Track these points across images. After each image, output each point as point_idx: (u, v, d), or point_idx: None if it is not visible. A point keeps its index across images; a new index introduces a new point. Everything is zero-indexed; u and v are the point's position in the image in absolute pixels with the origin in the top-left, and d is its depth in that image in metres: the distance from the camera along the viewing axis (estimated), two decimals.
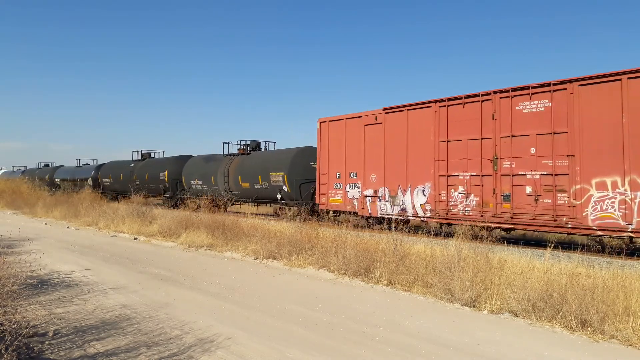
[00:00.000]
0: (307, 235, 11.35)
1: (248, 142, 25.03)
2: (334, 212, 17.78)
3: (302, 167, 20.02)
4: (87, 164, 41.81)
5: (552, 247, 9.22)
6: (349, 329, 6.11)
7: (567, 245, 11.43)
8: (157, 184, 29.01)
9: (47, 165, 51.43)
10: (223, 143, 27.00)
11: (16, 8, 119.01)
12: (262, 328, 6.09)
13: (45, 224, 20.97)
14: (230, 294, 8.01)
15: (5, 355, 4.15)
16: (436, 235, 13.90)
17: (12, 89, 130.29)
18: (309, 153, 20.34)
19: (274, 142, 25.80)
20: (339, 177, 17.37)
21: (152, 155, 33.56)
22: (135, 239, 15.69)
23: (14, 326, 4.95)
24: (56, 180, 43.94)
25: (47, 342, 5.28)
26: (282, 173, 20.00)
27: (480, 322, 6.49)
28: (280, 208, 20.66)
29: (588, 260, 8.57)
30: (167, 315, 6.55)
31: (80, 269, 10.03)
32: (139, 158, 33.54)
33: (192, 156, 28.69)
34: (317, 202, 18.21)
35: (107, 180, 35.26)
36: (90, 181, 37.63)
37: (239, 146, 25.21)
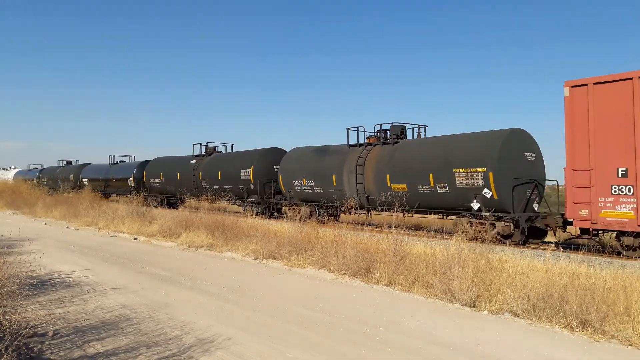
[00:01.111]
0: (307, 235, 11.34)
1: (388, 127, 17.51)
2: (605, 231, 11.28)
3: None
4: (123, 161, 35.88)
5: (552, 247, 9.21)
6: (349, 329, 6.10)
7: (567, 245, 11.42)
8: (235, 184, 22.79)
9: (69, 163, 44.82)
10: (348, 129, 18.01)
11: (16, 5, 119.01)
12: (262, 328, 6.08)
13: (45, 224, 20.97)
14: (230, 294, 8.01)
15: (5, 356, 4.14)
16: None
17: (11, 89, 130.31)
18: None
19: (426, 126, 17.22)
20: (623, 175, 10.49)
21: (218, 150, 27.15)
22: (135, 239, 15.69)
23: (14, 326, 4.94)
24: (83, 180, 38.10)
25: (46, 342, 5.27)
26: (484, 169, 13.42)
27: (481, 322, 6.48)
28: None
29: (588, 260, 8.56)
30: (167, 316, 6.54)
31: (80, 269, 10.02)
32: (202, 153, 26.97)
33: (283, 150, 22.66)
34: (568, 216, 11.39)
35: (157, 180, 29.01)
36: (131, 181, 31.48)
37: (373, 133, 17.85)
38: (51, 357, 4.90)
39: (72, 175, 40.37)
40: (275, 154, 22.48)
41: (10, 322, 5.08)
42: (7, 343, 4.29)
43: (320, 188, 18.50)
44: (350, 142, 18.33)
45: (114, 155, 36.67)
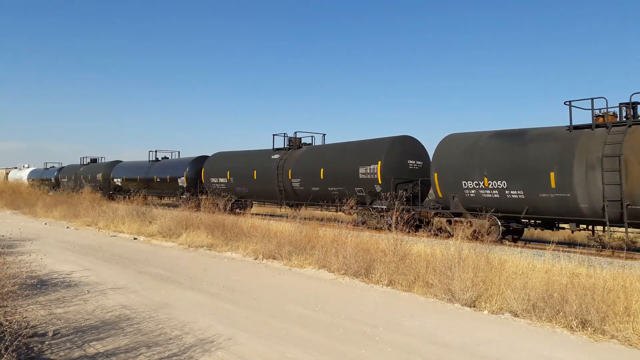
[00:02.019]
0: (307, 235, 11.34)
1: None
2: None
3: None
4: (167, 157, 31.23)
5: (552, 247, 9.20)
6: (349, 329, 6.10)
7: (567, 244, 11.42)
8: (349, 186, 16.97)
9: (94, 160, 39.66)
10: (592, 100, 11.65)
11: (16, 3, 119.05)
12: (262, 328, 6.08)
13: (45, 224, 20.97)
14: (230, 294, 8.01)
15: (5, 356, 4.14)
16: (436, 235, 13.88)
17: (11, 89, 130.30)
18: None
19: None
20: None
21: (303, 142, 21.37)
22: (135, 239, 15.69)
23: (14, 326, 4.94)
24: (116, 180, 32.91)
25: (47, 342, 5.27)
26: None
27: (481, 322, 6.48)
28: None
29: (588, 260, 8.56)
30: (167, 316, 6.54)
31: (80, 269, 10.03)
32: (286, 145, 21.15)
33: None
34: None
35: (221, 180, 23.39)
36: (183, 181, 25.85)
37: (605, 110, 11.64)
38: (51, 357, 4.90)
39: (100, 174, 34.69)
40: (408, 145, 16.93)
41: (10, 322, 5.08)
42: (7, 343, 4.29)
43: (521, 192, 12.37)
44: (573, 123, 12.08)
45: (155, 151, 31.05)
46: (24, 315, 5.77)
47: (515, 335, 5.92)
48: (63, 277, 9.13)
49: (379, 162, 16.12)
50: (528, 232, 16.10)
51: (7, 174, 57.28)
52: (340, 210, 17.94)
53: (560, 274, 7.17)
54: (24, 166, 57.22)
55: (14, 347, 4.26)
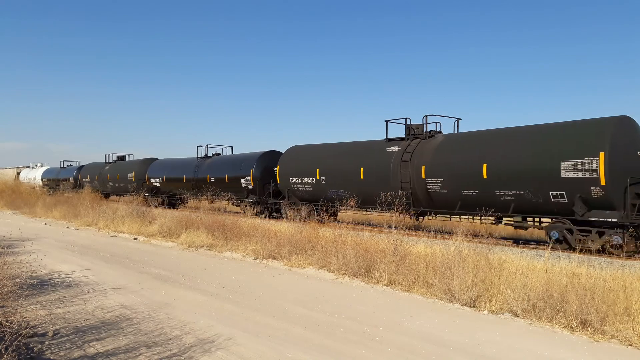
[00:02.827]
0: (307, 235, 11.35)
1: None
2: None
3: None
4: (218, 154, 26.37)
5: (550, 246, 9.21)
6: (349, 329, 6.10)
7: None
8: (541, 187, 11.83)
9: (121, 158, 35.09)
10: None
11: (16, 4, 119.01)
12: (262, 328, 6.08)
13: (45, 224, 20.97)
14: (230, 294, 8.01)
15: (5, 356, 4.14)
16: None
17: (11, 88, 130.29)
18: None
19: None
20: None
21: (431, 131, 15.69)
22: (135, 239, 15.69)
23: (14, 326, 4.94)
24: (153, 180, 28.38)
25: (46, 343, 5.27)
26: None
27: (481, 322, 6.48)
28: None
29: (588, 260, 8.56)
30: (167, 316, 6.54)
31: (80, 269, 10.03)
32: (413, 133, 15.81)
33: None
34: None
35: (306, 181, 18.65)
36: (247, 182, 21.28)
37: None
38: (51, 357, 4.90)
39: (133, 174, 30.07)
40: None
41: (10, 322, 5.08)
42: (7, 343, 4.30)
43: None
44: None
45: (206, 146, 26.27)
46: (24, 316, 5.77)
47: (515, 335, 5.92)
48: (63, 277, 9.13)
49: (601, 154, 10.73)
50: (528, 233, 16.14)
51: (18, 173, 53.83)
52: (519, 227, 13.33)
53: (560, 274, 7.18)
54: (36, 165, 51.90)
55: (14, 347, 4.26)
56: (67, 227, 19.51)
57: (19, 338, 4.49)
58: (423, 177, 14.49)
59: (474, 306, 7.13)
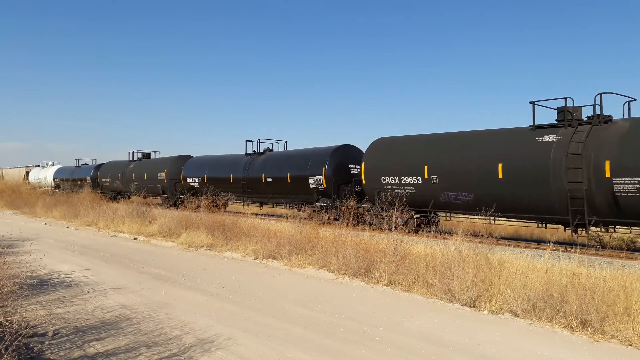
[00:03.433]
0: (307, 235, 11.35)
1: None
2: None
3: None
4: (270, 149, 22.77)
5: (551, 246, 9.21)
6: (349, 329, 6.10)
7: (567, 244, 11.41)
8: None
9: (146, 155, 31.83)
10: None
11: (14, 3, 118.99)
12: (262, 328, 6.08)
13: (45, 224, 20.97)
14: (230, 294, 8.01)
15: (5, 356, 4.14)
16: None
17: (11, 88, 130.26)
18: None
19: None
20: None
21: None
22: (135, 239, 15.69)
23: (14, 326, 4.94)
24: (190, 180, 25.15)
25: (46, 342, 5.27)
26: None
27: (481, 322, 6.48)
28: None
29: (588, 260, 8.56)
30: (167, 316, 6.54)
31: (80, 269, 10.03)
32: (576, 119, 12.11)
33: None
34: None
35: (408, 180, 15.02)
36: (317, 182, 17.68)
37: None
38: (51, 357, 4.90)
39: (164, 172, 26.73)
40: None
41: (10, 322, 5.08)
42: (7, 343, 4.30)
43: None
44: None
45: (258, 140, 22.70)
46: (24, 315, 5.78)
47: (515, 335, 5.92)
48: (63, 277, 9.14)
49: None
50: (527, 231, 16.13)
51: (27, 173, 50.16)
52: None
53: (560, 274, 7.18)
54: (47, 164, 48.07)
55: (14, 347, 4.26)
56: (67, 227, 19.52)
57: (19, 338, 4.49)
58: (608, 176, 10.85)
59: (474, 306, 7.13)
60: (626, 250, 10.73)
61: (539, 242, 13.35)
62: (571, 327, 6.01)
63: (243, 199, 22.65)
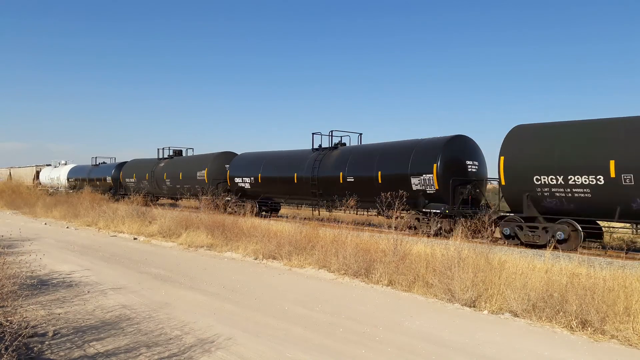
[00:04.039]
0: (307, 235, 11.35)
1: None
2: None
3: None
4: (343, 144, 19.41)
5: (552, 247, 9.21)
6: (349, 329, 6.10)
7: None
8: None
9: (178, 153, 28.74)
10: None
11: (14, 3, 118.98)
12: (262, 328, 6.08)
13: (45, 224, 20.97)
14: (230, 294, 8.01)
15: (5, 356, 4.14)
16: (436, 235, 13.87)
17: (10, 88, 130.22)
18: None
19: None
20: None
21: None
22: (135, 239, 15.69)
23: (14, 326, 4.94)
24: (240, 181, 22.08)
25: (46, 343, 5.27)
26: None
27: (481, 322, 6.48)
28: None
29: (589, 260, 8.56)
30: (167, 316, 6.54)
31: (80, 269, 10.02)
32: None
33: None
34: None
35: (550, 184, 11.69)
36: (425, 183, 14.56)
37: None
38: (51, 357, 4.90)
39: (204, 171, 23.69)
40: None
41: (10, 322, 5.08)
42: (7, 343, 4.29)
43: None
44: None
45: (330, 133, 19.35)
46: (24, 316, 5.78)
47: (515, 335, 5.92)
48: (63, 277, 9.13)
49: None
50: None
51: (37, 172, 46.56)
52: None
53: (560, 274, 7.18)
54: (60, 163, 44.36)
55: (14, 347, 4.26)
56: (67, 227, 19.51)
57: (19, 338, 4.49)
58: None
59: (474, 306, 7.13)
60: (626, 250, 10.74)
61: None
62: (571, 327, 6.01)
63: (312, 204, 18.80)
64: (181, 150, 28.92)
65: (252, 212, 19.70)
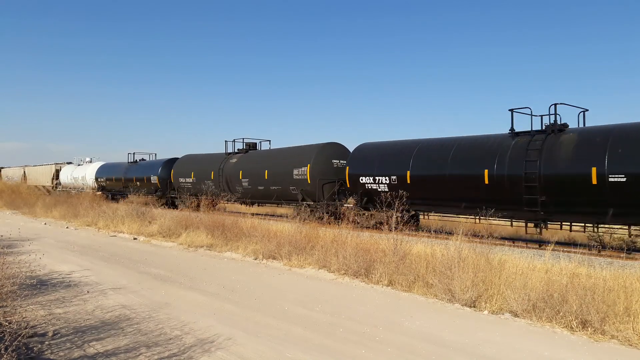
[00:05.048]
0: (307, 235, 11.34)
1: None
2: None
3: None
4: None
5: (552, 247, 9.21)
6: (349, 329, 6.10)
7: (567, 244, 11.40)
8: None
9: (252, 146, 23.08)
10: None
11: (14, 3, 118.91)
12: (262, 328, 6.08)
13: (45, 224, 20.96)
14: (230, 294, 8.00)
15: (5, 356, 4.14)
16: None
17: (10, 88, 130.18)
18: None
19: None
20: None
21: None
22: (135, 239, 15.68)
23: (14, 326, 4.94)
24: (366, 180, 16.09)
25: (46, 343, 5.27)
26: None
27: (481, 322, 6.48)
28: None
29: (589, 260, 8.56)
30: (167, 316, 6.54)
31: (79, 269, 10.02)
32: None
33: None
34: None
35: None
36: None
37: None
38: (51, 357, 4.90)
39: (306, 169, 17.62)
40: None
41: (10, 322, 5.08)
42: (7, 343, 4.29)
43: None
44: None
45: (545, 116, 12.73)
46: (24, 316, 5.78)
47: (515, 335, 5.92)
48: (63, 277, 9.13)
49: None
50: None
51: (56, 171, 40.82)
52: None
53: (560, 274, 7.17)
54: (83, 160, 38.27)
55: (14, 347, 4.26)
56: (67, 227, 19.50)
57: (19, 338, 4.48)
58: None
59: (474, 306, 7.13)
60: (626, 250, 10.74)
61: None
62: (571, 327, 6.01)
63: (524, 216, 12.71)
64: (255, 143, 23.29)
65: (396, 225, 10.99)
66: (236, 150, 23.35)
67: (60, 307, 6.88)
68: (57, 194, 32.60)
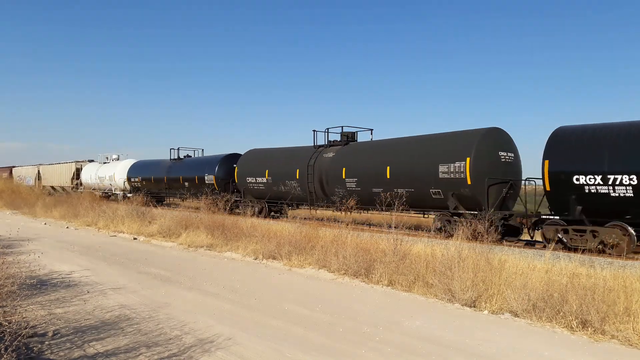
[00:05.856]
0: (307, 235, 11.34)
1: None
2: None
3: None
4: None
5: (552, 247, 9.21)
6: (349, 329, 6.09)
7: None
8: None
9: (349, 137, 18.30)
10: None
11: (15, 6, 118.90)
12: (262, 328, 6.07)
13: (45, 224, 20.95)
14: (230, 294, 8.00)
15: (5, 356, 4.14)
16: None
17: (11, 89, 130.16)
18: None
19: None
20: None
21: None
22: (135, 239, 15.67)
23: (14, 326, 4.93)
24: (586, 181, 10.30)
25: (46, 343, 5.26)
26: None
27: (481, 322, 6.47)
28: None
29: (589, 260, 8.56)
30: (167, 316, 6.53)
31: (79, 269, 10.01)
32: None
33: None
34: None
35: None
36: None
37: None
38: (51, 357, 4.89)
39: (465, 163, 12.71)
40: None
41: (10, 322, 5.07)
42: (7, 343, 4.29)
43: None
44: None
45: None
46: (24, 316, 5.77)
47: (515, 335, 5.92)
48: (63, 277, 9.12)
49: None
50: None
51: (77, 170, 36.19)
52: None
53: (560, 274, 7.18)
54: (108, 158, 33.57)
55: (14, 347, 4.25)
56: (67, 227, 19.50)
57: (19, 338, 4.48)
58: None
59: (474, 306, 7.13)
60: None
61: None
62: (571, 327, 6.01)
63: None
64: (354, 133, 18.47)
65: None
66: (330, 143, 18.50)
67: (60, 307, 6.87)
68: (60, 194, 32.08)
